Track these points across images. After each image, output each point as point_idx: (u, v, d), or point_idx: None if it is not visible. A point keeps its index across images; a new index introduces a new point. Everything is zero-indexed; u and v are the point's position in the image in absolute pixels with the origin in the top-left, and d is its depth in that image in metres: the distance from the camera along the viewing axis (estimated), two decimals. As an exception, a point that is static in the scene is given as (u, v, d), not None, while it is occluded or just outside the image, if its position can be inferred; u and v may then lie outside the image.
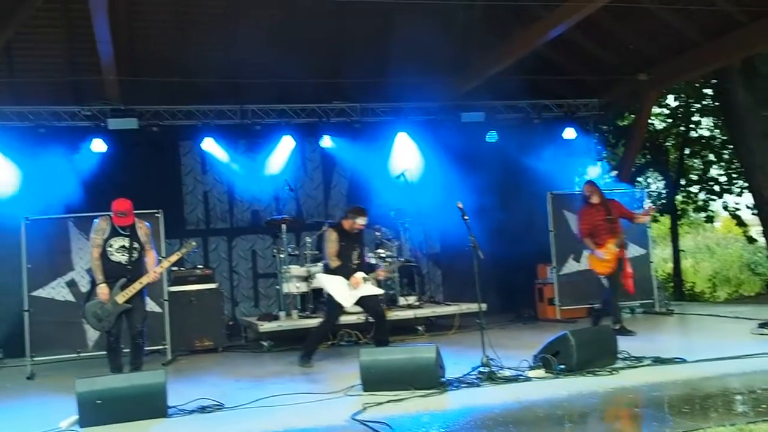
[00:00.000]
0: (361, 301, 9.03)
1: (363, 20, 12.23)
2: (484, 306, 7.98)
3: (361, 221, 9.10)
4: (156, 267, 8.04)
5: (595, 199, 10.09)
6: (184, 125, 12.51)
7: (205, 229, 13.12)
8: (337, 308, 8.95)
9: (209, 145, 12.51)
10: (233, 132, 12.71)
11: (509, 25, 12.50)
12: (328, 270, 9.10)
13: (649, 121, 17.54)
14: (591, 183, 10.50)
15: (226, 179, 13.17)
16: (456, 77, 12.79)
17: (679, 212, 20.31)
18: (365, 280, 9.06)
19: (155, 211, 10.24)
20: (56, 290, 10.16)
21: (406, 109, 13.24)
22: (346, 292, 8.89)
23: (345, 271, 8.93)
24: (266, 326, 10.58)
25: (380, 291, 9.58)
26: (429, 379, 6.65)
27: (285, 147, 12.83)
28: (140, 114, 11.96)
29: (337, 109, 12.97)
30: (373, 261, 10.42)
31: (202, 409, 6.45)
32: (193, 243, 8.43)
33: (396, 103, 13.14)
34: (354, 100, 12.95)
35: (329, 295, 8.97)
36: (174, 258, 8.15)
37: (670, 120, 20.31)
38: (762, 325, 9.14)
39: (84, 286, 9.90)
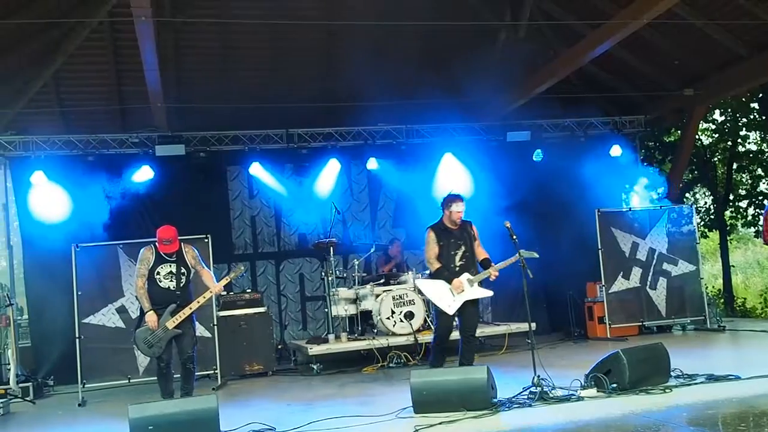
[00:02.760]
0: (461, 309, 8.05)
1: (407, 42, 12.31)
2: (533, 325, 7.90)
3: (457, 207, 8.14)
4: (215, 284, 8.11)
5: None
6: (230, 150, 12.71)
7: (253, 252, 13.20)
8: (442, 317, 8.09)
9: (256, 169, 12.66)
10: (280, 156, 12.87)
11: (554, 44, 12.49)
12: (429, 275, 8.30)
13: (696, 136, 17.33)
14: None
15: (274, 203, 13.29)
16: (501, 97, 12.79)
17: (728, 227, 20.03)
18: (471, 282, 8.05)
19: (203, 236, 10.34)
20: (107, 317, 10.27)
21: (451, 129, 13.31)
22: (449, 298, 8.01)
23: (446, 274, 8.04)
24: (316, 349, 10.59)
25: (489, 293, 8.32)
26: (481, 400, 6.58)
27: (331, 170, 12.96)
28: (187, 140, 12.16)
29: (383, 131, 13.08)
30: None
31: (255, 434, 6.45)
32: (242, 267, 8.47)
33: (441, 124, 13.20)
34: (399, 121, 13.03)
35: (433, 304, 8.25)
36: (224, 282, 8.20)
37: (716, 135, 20.08)
38: None
39: (134, 312, 9.99)
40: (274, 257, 13.32)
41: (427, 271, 8.77)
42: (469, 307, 8.08)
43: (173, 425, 6.15)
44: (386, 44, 12.55)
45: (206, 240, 10.34)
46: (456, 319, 8.16)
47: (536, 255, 8.01)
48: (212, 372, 10.27)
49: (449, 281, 7.99)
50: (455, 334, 8.34)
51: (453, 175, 12.97)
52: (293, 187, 13.14)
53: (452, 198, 8.23)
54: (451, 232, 8.18)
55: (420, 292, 8.85)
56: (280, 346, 12.39)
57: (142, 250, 8.09)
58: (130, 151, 12.22)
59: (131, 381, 10.10)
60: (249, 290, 11.74)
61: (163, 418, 6.18)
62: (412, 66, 11.86)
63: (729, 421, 5.83)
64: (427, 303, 11.17)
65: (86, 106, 12.41)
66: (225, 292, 10.62)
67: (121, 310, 10.30)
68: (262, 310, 11.16)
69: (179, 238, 8.05)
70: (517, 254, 7.77)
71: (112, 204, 11.83)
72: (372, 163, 13.03)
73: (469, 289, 8.01)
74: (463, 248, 8.16)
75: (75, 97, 12.50)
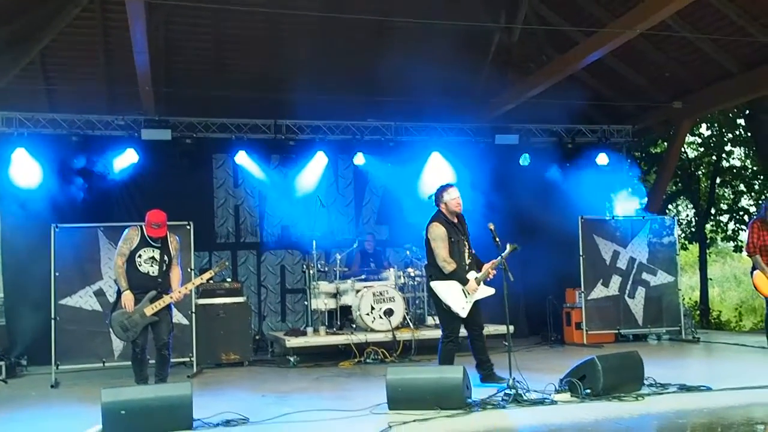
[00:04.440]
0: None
1: (400, 40, 12.30)
2: (511, 328, 7.89)
3: (452, 194, 7.73)
4: (186, 284, 8.08)
5: None
6: (217, 138, 12.65)
7: (235, 242, 13.15)
8: (453, 320, 7.68)
9: (242, 158, 12.60)
10: (266, 146, 12.82)
11: (547, 49, 12.52)
12: (440, 275, 7.67)
13: (682, 149, 17.45)
14: None
15: (258, 193, 13.24)
16: (491, 99, 12.80)
17: (708, 241, 20.20)
18: (478, 281, 7.65)
19: (185, 223, 10.28)
20: (84, 299, 10.18)
21: (440, 128, 13.33)
22: (463, 300, 7.61)
23: (460, 274, 7.60)
24: (293, 341, 10.58)
25: (492, 291, 7.80)
26: (455, 399, 6.58)
27: (318, 163, 12.92)
28: (174, 125, 12.07)
29: (372, 127, 13.08)
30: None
31: (227, 423, 6.42)
32: (226, 263, 8.37)
33: (430, 123, 13.21)
34: (388, 118, 13.03)
35: (447, 306, 7.65)
36: (206, 276, 8.17)
37: (702, 149, 20.25)
38: None
39: (112, 296, 9.82)
40: (256, 248, 13.27)
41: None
42: (476, 304, 7.75)
43: (146, 411, 6.11)
44: (380, 41, 12.53)
45: (188, 227, 10.28)
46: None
47: (517, 247, 7.65)
48: (188, 359, 10.22)
49: (463, 283, 7.62)
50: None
51: (439, 175, 12.97)
52: (279, 178, 13.10)
53: (444, 187, 7.85)
54: (455, 226, 7.75)
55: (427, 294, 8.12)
56: (257, 337, 12.35)
57: (127, 229, 7.98)
58: (116, 133, 12.11)
59: (106, 365, 10.02)
60: (229, 279, 11.70)
61: (136, 403, 6.15)
62: (403, 63, 11.83)
63: (699, 430, 5.89)
64: (407, 301, 11.22)
65: (73, 86, 12.26)
66: (205, 281, 10.52)
67: (99, 293, 10.21)
68: (241, 300, 11.12)
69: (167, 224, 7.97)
70: (507, 246, 7.58)
71: (94, 186, 11.75)
72: (359, 159, 13.01)
73: (479, 289, 7.70)
74: (467, 244, 7.79)
75: (62, 76, 12.34)
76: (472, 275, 7.67)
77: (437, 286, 7.72)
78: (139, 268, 7.79)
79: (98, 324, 9.86)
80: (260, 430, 6.28)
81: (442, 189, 7.85)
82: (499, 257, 7.63)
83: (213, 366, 10.61)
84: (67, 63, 12.25)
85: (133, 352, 7.93)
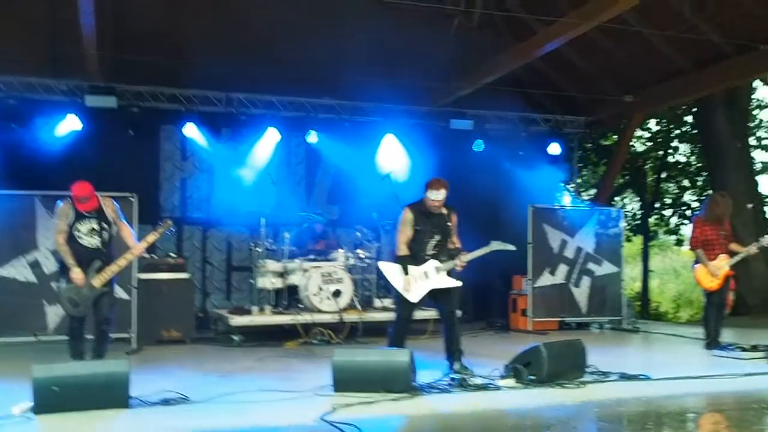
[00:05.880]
0: (433, 296, 7.73)
1: (359, 19, 12.16)
2: (459, 313, 7.94)
3: (432, 195, 7.56)
4: (138, 243, 7.78)
5: (715, 212, 9.67)
6: (166, 109, 12.29)
7: (181, 217, 12.83)
8: (404, 303, 7.74)
9: (191, 131, 12.25)
10: (217, 120, 12.43)
11: (504, 36, 12.50)
12: (394, 258, 7.86)
13: (631, 143, 17.68)
14: (722, 195, 9.98)
15: (206, 167, 12.95)
16: (447, 83, 12.73)
17: (651, 234, 20.57)
18: (438, 270, 7.65)
19: (129, 194, 10.00)
20: (17, 269, 9.89)
21: (396, 110, 13.18)
22: (411, 283, 7.65)
23: (403, 261, 7.65)
24: (238, 320, 10.41)
25: (458, 283, 7.76)
26: (401, 382, 6.58)
27: (269, 139, 12.65)
28: (120, 93, 11.66)
29: (326, 105, 12.89)
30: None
31: (166, 402, 6.26)
32: (170, 222, 8.08)
33: (386, 104, 13.04)
34: (344, 97, 12.85)
35: (394, 289, 7.84)
36: (152, 238, 7.80)
37: (650, 143, 20.59)
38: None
39: (48, 268, 9.72)
40: (202, 223, 13.01)
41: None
42: (443, 294, 7.72)
43: (80, 387, 5.95)
44: (339, 18, 12.37)
45: (132, 199, 10.01)
46: (418, 305, 7.90)
47: (512, 247, 7.98)
48: (127, 335, 9.96)
49: (404, 271, 7.66)
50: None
51: (393, 157, 12.91)
52: (228, 153, 12.77)
53: (430, 183, 7.68)
54: (429, 217, 7.72)
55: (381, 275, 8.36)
56: (201, 315, 12.14)
57: (60, 204, 7.70)
58: (58, 98, 11.64)
59: (39, 338, 9.74)
60: (173, 254, 11.43)
61: (69, 379, 5.97)
62: (361, 43, 11.72)
63: (636, 419, 6.06)
64: (356, 282, 11.12)
65: (12, 45, 11.72)
66: (147, 255, 10.22)
67: (34, 265, 9.94)
68: (185, 276, 10.91)
69: (97, 193, 7.66)
70: (490, 245, 7.77)
71: (32, 152, 11.27)
72: (312, 137, 12.81)
73: (435, 276, 7.66)
74: (438, 237, 7.74)
75: (0, 34, 11.85)
76: (430, 264, 7.69)
77: (383, 266, 8.03)
78: (80, 241, 7.58)
79: (32, 296, 9.66)
80: (201, 410, 6.14)
81: (428, 183, 7.69)
82: (478, 251, 7.80)
83: (153, 343, 10.34)
84: (6, 21, 11.73)
85: (70, 326, 7.71)
